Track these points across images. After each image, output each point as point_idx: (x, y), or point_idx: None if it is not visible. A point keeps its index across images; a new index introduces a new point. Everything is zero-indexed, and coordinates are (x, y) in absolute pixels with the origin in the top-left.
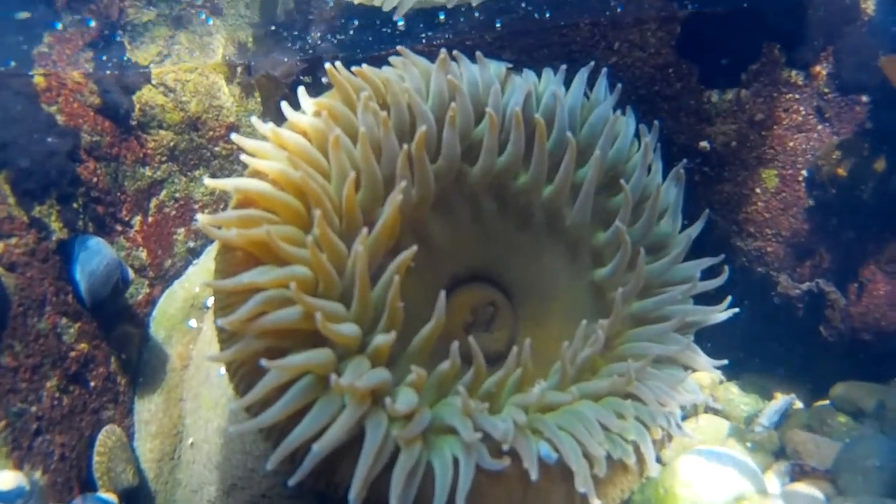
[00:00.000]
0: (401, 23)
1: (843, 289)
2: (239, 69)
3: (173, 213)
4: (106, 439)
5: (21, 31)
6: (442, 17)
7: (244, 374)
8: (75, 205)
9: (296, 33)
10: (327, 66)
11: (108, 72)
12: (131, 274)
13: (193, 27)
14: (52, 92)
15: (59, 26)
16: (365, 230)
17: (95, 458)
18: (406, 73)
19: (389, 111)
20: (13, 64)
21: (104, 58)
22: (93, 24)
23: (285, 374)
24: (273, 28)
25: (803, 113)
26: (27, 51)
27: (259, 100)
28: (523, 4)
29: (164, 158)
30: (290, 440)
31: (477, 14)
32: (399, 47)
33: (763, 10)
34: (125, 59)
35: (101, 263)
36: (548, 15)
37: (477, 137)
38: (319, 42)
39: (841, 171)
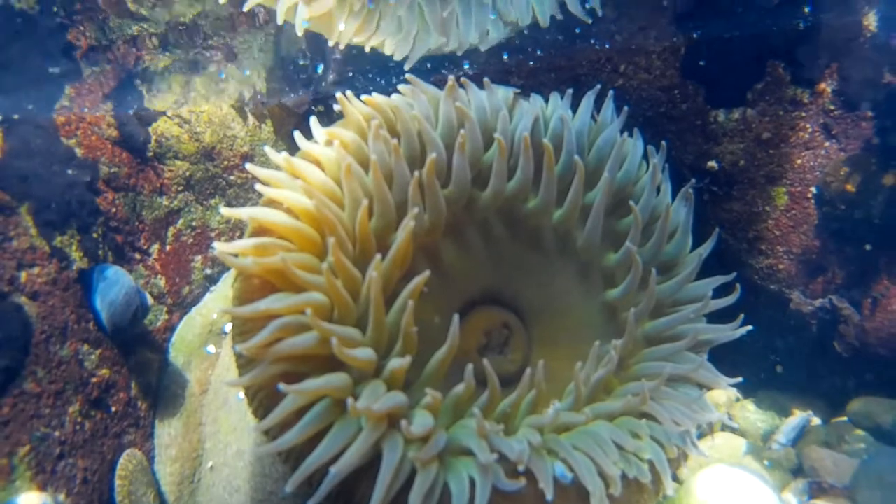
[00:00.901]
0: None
1: (857, 304)
2: (249, 98)
3: (190, 241)
4: (127, 463)
5: (41, 84)
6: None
7: (262, 399)
8: (95, 234)
9: (306, 76)
10: (338, 94)
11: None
12: (150, 300)
13: (209, 72)
14: (70, 126)
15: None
16: (378, 256)
17: (117, 482)
18: (415, 101)
19: (400, 139)
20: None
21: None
22: (109, 70)
23: (303, 398)
24: (286, 71)
25: (810, 130)
26: (49, 104)
27: (271, 128)
28: (530, 49)
29: (180, 188)
30: (309, 463)
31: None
32: (408, 75)
33: (766, 30)
34: (144, 109)
35: (121, 292)
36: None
37: (486, 163)
38: (331, 83)
39: (850, 187)
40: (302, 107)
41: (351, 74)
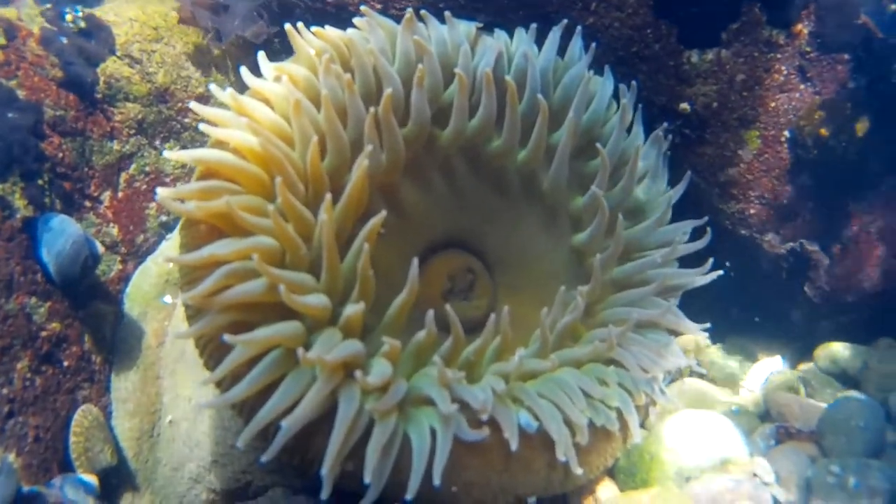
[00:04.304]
0: None
1: (827, 249)
2: (207, 34)
3: (144, 187)
4: (82, 419)
5: None
6: None
7: (213, 350)
8: (41, 181)
9: None
10: (287, 27)
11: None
12: (101, 249)
13: None
14: (10, 66)
15: None
16: (329, 196)
17: (72, 439)
18: (371, 35)
19: (354, 74)
20: None
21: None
22: None
23: (252, 348)
24: None
25: (785, 73)
26: None
27: (231, 67)
28: None
29: (132, 132)
30: (260, 416)
31: None
32: (363, 7)
33: None
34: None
35: (68, 241)
36: None
37: (447, 100)
38: None
39: (823, 132)
40: (260, 37)
41: None
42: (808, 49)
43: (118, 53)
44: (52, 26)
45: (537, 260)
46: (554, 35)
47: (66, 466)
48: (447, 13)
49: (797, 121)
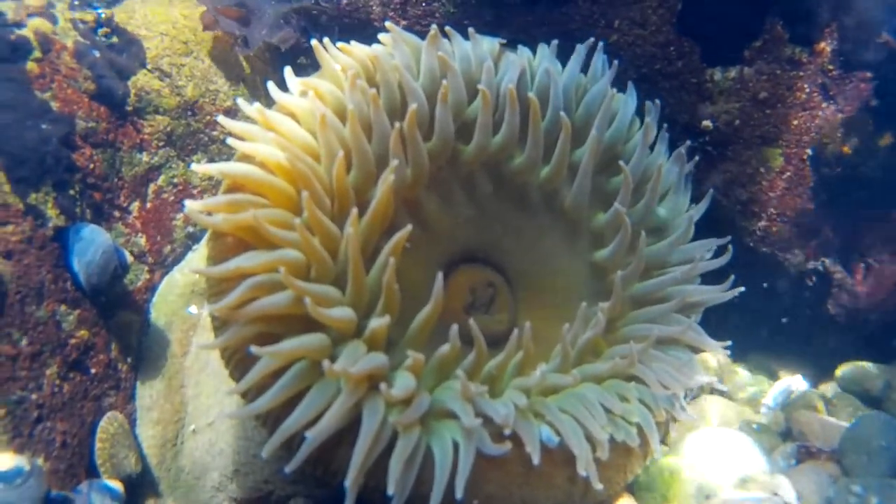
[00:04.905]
0: None
1: (849, 268)
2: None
3: (172, 198)
4: (108, 426)
5: None
6: None
7: (238, 361)
8: (72, 192)
9: None
10: (314, 42)
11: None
12: (129, 258)
13: None
14: (45, 78)
15: None
16: (355, 211)
17: (97, 445)
18: (395, 51)
19: (379, 89)
20: None
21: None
22: None
23: (278, 360)
24: None
25: (807, 90)
26: None
27: (256, 82)
28: (521, 1)
29: (161, 143)
30: (285, 427)
31: None
32: (387, 23)
33: None
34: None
35: (98, 251)
36: None
37: (470, 116)
38: None
39: (846, 149)
40: (288, 42)
41: None
42: (830, 67)
43: (148, 67)
44: (85, 40)
45: (558, 275)
46: (579, 52)
47: (92, 472)
48: (471, 29)
49: (820, 138)
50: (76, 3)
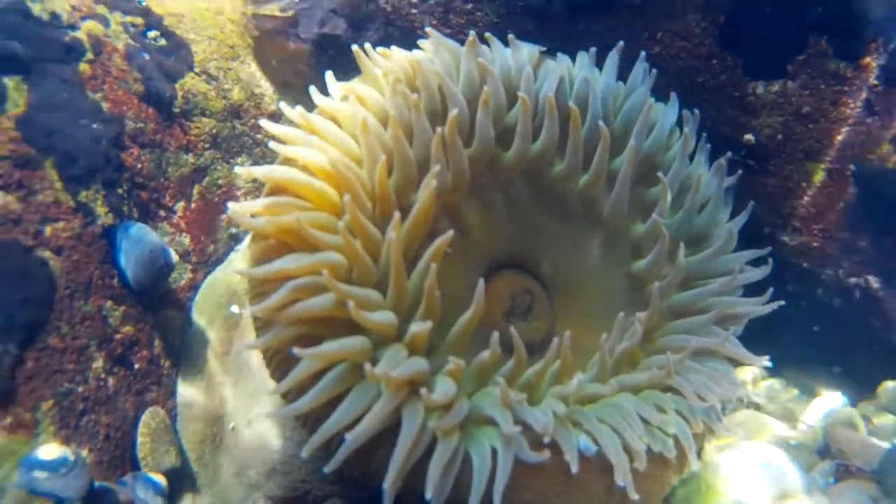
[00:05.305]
0: None
1: (891, 285)
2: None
3: (216, 199)
4: (150, 420)
5: None
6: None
7: (279, 362)
8: (120, 190)
9: None
10: (354, 48)
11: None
12: (175, 258)
13: None
14: (97, 80)
15: None
16: (398, 215)
17: (139, 439)
18: (436, 56)
19: (420, 94)
20: None
21: None
22: None
23: (318, 362)
24: None
25: (851, 105)
26: None
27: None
28: (564, 13)
29: (206, 145)
30: (325, 428)
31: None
32: (428, 29)
33: (809, 0)
34: None
35: (146, 249)
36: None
37: (510, 123)
38: None
39: (891, 165)
40: (339, 28)
41: None
42: (875, 83)
43: (196, 70)
44: (136, 43)
45: (595, 284)
46: (612, 59)
47: (133, 465)
48: (510, 36)
49: (863, 154)
50: None
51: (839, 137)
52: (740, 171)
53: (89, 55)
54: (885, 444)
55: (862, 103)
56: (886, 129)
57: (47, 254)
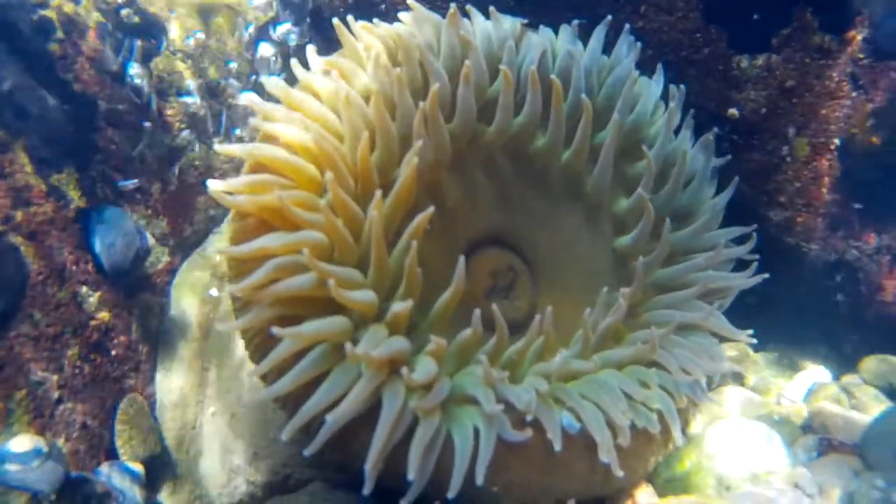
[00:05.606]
0: None
1: (875, 260)
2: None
3: (193, 180)
4: (128, 408)
5: None
6: None
7: (259, 343)
8: (93, 173)
9: None
10: (335, 21)
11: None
12: (151, 242)
13: None
14: (67, 59)
15: None
16: (379, 193)
17: (118, 427)
18: (417, 30)
19: (402, 69)
20: None
21: None
22: None
23: (298, 342)
24: None
25: (836, 79)
26: None
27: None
28: None
29: (183, 126)
30: (304, 410)
31: None
32: (409, 1)
33: None
34: None
35: (120, 233)
36: None
37: (491, 96)
38: None
39: (875, 140)
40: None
41: None
42: (860, 56)
43: (171, 48)
44: (108, 21)
45: (578, 260)
46: (598, 33)
47: (111, 454)
48: (491, 8)
49: (848, 129)
50: None
51: (824, 112)
52: (725, 150)
53: (59, 34)
54: (868, 418)
55: (847, 77)
56: (871, 102)
57: (19, 239)
